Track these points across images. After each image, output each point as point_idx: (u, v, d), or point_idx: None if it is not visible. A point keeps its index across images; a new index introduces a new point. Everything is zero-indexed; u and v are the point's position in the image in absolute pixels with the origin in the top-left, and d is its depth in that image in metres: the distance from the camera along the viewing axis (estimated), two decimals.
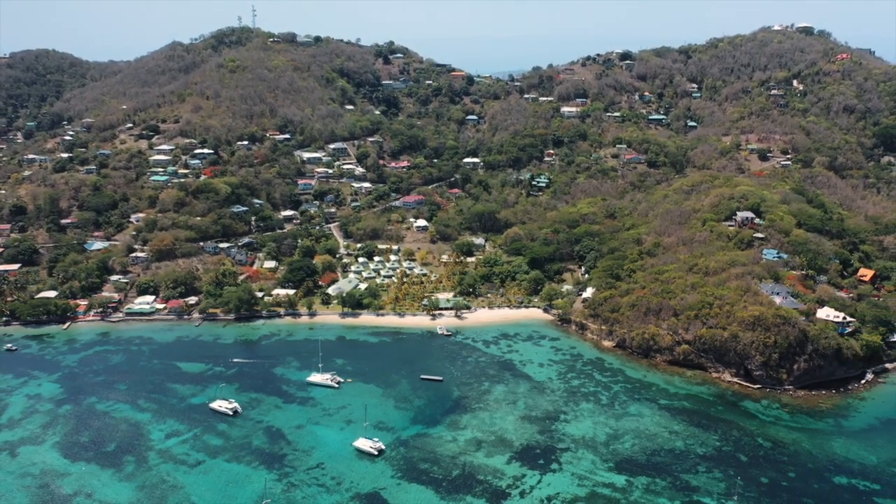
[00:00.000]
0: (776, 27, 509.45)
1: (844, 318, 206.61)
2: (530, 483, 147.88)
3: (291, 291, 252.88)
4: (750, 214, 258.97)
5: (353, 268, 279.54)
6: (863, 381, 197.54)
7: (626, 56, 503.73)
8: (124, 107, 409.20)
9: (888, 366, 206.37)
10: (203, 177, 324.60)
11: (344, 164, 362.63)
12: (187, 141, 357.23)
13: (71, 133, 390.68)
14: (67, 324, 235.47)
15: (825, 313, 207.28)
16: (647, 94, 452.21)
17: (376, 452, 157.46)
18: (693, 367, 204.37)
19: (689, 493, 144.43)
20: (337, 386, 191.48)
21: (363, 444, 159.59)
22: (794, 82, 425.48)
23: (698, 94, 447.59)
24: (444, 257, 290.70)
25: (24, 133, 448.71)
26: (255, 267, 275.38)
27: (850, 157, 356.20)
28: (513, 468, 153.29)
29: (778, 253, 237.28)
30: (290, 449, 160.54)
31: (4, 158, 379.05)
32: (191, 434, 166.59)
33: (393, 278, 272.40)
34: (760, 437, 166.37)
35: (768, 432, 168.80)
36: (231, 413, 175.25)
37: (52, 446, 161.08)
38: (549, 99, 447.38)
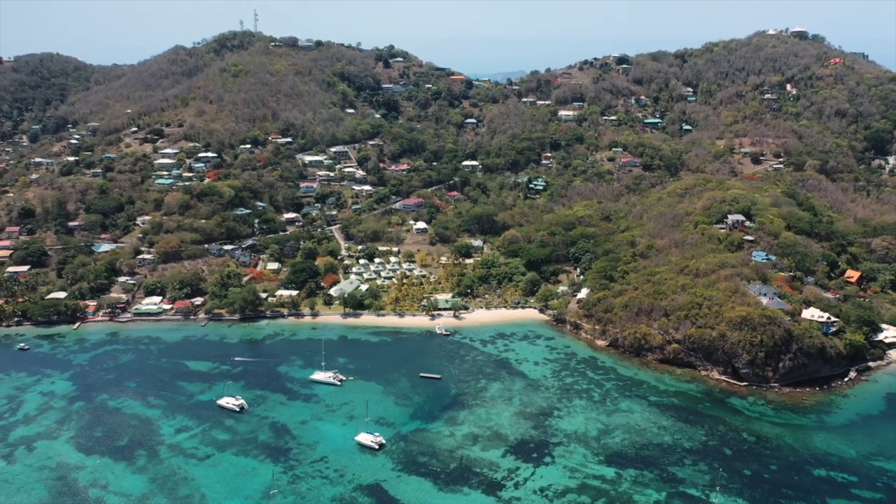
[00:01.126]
0: (771, 31, 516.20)
1: (829, 318, 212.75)
2: (524, 475, 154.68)
3: (294, 292, 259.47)
4: (741, 217, 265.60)
5: (354, 269, 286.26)
6: (846, 379, 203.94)
7: (622, 60, 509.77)
8: (129, 111, 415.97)
9: (871, 364, 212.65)
10: (207, 180, 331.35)
11: (345, 167, 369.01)
12: (191, 144, 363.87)
13: (76, 137, 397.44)
14: (77, 324, 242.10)
15: (810, 313, 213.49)
16: (643, 97, 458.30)
17: (377, 446, 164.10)
18: (683, 365, 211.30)
19: (675, 485, 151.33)
20: (339, 383, 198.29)
21: (365, 438, 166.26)
22: (788, 86, 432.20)
23: (693, 98, 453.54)
24: (443, 259, 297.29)
25: (30, 136, 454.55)
26: (258, 268, 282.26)
27: (842, 160, 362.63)
28: (508, 461, 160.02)
29: (767, 255, 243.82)
30: (294, 443, 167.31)
31: (11, 162, 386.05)
32: (199, 429, 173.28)
33: (393, 279, 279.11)
34: (745, 432, 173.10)
35: (753, 427, 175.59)
36: (238, 409, 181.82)
37: (66, 441, 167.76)
38: (547, 103, 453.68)
